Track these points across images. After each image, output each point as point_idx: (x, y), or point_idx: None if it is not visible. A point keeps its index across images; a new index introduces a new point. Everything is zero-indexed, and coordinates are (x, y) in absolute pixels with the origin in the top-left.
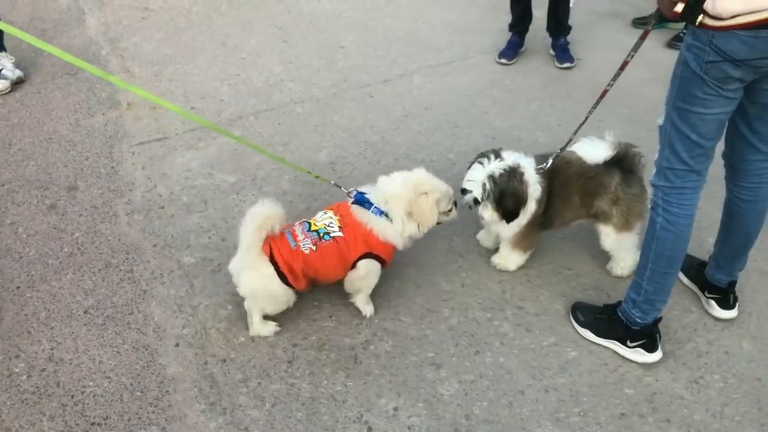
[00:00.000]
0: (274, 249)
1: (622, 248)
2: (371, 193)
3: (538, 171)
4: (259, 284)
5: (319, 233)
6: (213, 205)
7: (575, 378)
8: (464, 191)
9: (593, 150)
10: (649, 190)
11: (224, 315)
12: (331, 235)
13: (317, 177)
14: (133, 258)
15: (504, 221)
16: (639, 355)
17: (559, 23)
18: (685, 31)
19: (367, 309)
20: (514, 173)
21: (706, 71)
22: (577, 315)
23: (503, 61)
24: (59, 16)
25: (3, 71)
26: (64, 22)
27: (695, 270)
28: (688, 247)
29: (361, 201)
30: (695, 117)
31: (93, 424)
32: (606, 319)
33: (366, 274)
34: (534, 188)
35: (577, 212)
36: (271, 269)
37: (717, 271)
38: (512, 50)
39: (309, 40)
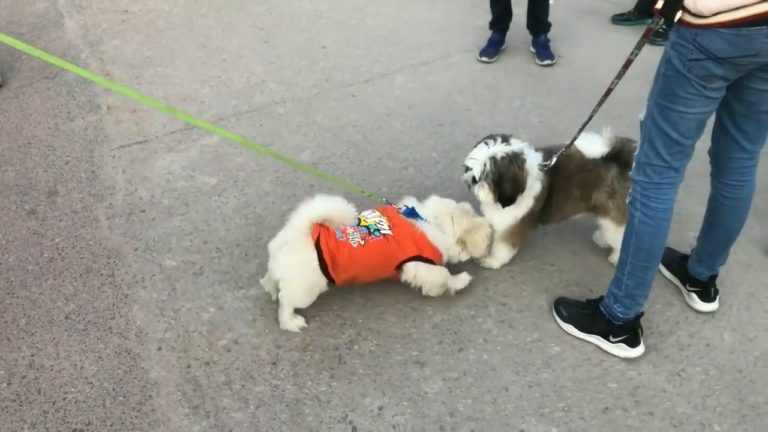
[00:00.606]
0: (322, 236)
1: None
2: (421, 208)
3: (541, 168)
4: (297, 265)
5: (369, 229)
6: (194, 207)
7: (559, 373)
8: (466, 168)
9: (591, 145)
10: None
11: (207, 318)
12: (381, 232)
13: (370, 195)
14: (114, 262)
15: (499, 204)
16: (621, 350)
17: (538, 20)
18: (664, 26)
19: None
20: (516, 158)
21: (690, 69)
22: (560, 310)
23: (484, 59)
24: (37, 19)
25: None
26: (41, 26)
27: (677, 263)
28: (669, 241)
29: (413, 214)
30: (676, 115)
31: (75, 430)
32: (589, 314)
33: (415, 276)
34: (534, 184)
35: (577, 206)
36: (314, 254)
37: (698, 265)
38: (493, 48)
39: (290, 41)
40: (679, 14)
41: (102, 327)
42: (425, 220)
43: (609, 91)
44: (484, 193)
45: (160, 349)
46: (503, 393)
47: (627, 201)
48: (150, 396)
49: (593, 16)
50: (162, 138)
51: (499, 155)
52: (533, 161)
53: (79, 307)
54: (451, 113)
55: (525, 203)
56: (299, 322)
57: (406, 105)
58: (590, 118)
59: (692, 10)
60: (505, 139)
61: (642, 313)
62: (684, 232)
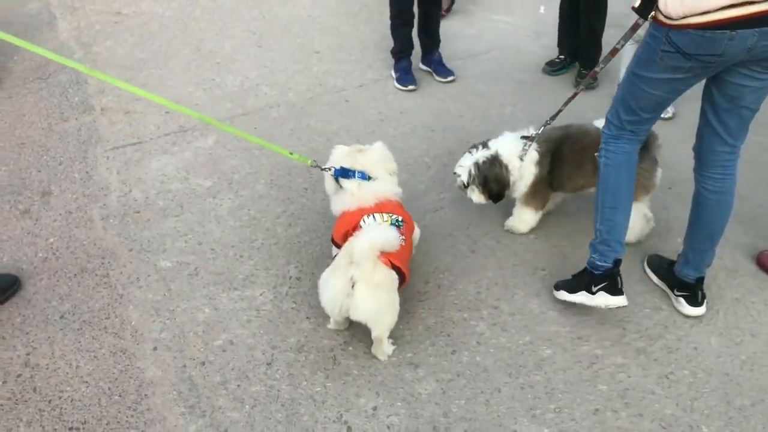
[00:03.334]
0: (386, 255)
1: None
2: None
3: (529, 139)
4: (386, 299)
5: (394, 223)
6: (189, 209)
7: (550, 375)
8: (456, 174)
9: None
10: (660, 169)
11: (202, 318)
12: (401, 220)
13: (298, 157)
14: (109, 263)
15: (492, 202)
16: (603, 299)
17: (431, 38)
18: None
19: None
20: (495, 161)
21: (662, 58)
22: (556, 286)
23: (411, 87)
24: (29, 20)
25: None
26: (34, 26)
27: (665, 269)
28: (657, 247)
29: (344, 173)
30: (639, 91)
31: (71, 428)
32: (576, 277)
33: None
34: (530, 154)
35: (590, 180)
36: (394, 275)
37: (685, 266)
38: (410, 74)
39: (284, 45)
40: (653, 13)
41: (97, 327)
42: (358, 173)
43: (594, 73)
44: (475, 195)
45: (155, 349)
46: (496, 394)
47: (596, 154)
48: (146, 395)
49: None
50: (156, 140)
51: (481, 161)
52: (512, 151)
53: (74, 307)
54: (443, 119)
55: (529, 171)
56: (390, 348)
57: (398, 110)
58: (575, 95)
59: (663, 12)
60: (485, 145)
61: (619, 261)
62: (672, 238)
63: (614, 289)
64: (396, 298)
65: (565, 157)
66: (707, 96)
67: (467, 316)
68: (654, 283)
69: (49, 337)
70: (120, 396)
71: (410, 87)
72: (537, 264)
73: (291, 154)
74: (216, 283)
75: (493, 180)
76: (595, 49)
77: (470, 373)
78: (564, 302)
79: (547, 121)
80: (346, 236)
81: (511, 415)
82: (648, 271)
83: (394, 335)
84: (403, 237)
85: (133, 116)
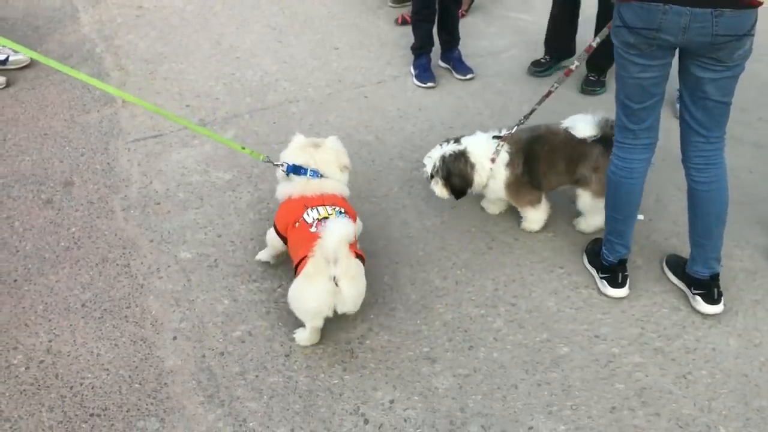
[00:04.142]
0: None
1: (593, 210)
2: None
3: (500, 139)
4: (363, 287)
5: (337, 214)
6: (209, 201)
7: (567, 373)
8: (423, 165)
9: (581, 126)
10: None
11: (221, 309)
12: (343, 211)
13: (251, 153)
14: (129, 253)
15: (454, 197)
16: (603, 286)
17: (451, 35)
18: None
19: None
20: (461, 156)
21: (615, 34)
22: (585, 249)
23: (430, 84)
24: (52, 13)
25: None
26: (57, 19)
27: (681, 268)
28: (674, 248)
29: (295, 170)
30: (621, 79)
31: (92, 415)
32: (597, 251)
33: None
34: (501, 156)
35: (562, 178)
36: (360, 263)
37: (693, 263)
38: (429, 71)
39: (303, 41)
40: None
41: (118, 315)
42: (310, 172)
43: (569, 71)
44: (438, 188)
45: (175, 338)
46: (513, 390)
47: None
48: (165, 384)
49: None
50: (176, 132)
51: (447, 154)
52: (482, 150)
53: (95, 296)
54: (462, 117)
55: (499, 172)
56: None
57: (417, 107)
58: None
59: None
60: (457, 140)
61: (624, 260)
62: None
63: (614, 282)
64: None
65: (537, 156)
66: (680, 88)
67: (484, 312)
68: (673, 283)
69: (71, 325)
70: (140, 384)
71: (429, 84)
72: (555, 262)
73: (243, 149)
74: (235, 275)
75: (456, 175)
76: (606, 55)
77: (487, 368)
78: (581, 296)
79: (521, 120)
80: (286, 227)
81: (527, 412)
82: (666, 270)
83: (410, 329)
84: None
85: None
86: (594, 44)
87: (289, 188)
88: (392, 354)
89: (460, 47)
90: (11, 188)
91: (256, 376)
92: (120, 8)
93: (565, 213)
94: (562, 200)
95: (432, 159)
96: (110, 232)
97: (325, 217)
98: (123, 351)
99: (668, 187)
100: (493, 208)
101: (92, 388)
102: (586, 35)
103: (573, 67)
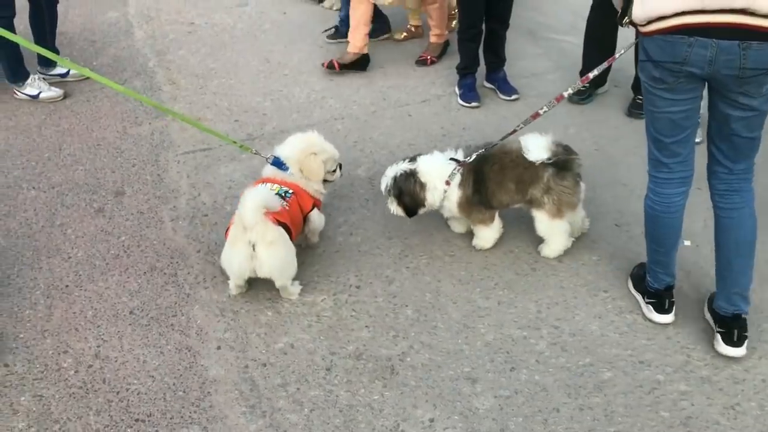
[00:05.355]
0: (271, 215)
1: (552, 233)
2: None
3: (459, 162)
4: (283, 253)
5: (279, 194)
6: None
7: (610, 398)
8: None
9: (534, 147)
10: (583, 185)
11: (264, 321)
12: (290, 192)
13: (241, 146)
14: (177, 262)
15: (406, 215)
16: (648, 311)
17: (497, 55)
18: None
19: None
20: (411, 176)
21: (641, 69)
22: (631, 273)
23: (475, 104)
24: (108, 28)
25: (41, 94)
26: (112, 34)
27: (710, 303)
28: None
29: (278, 164)
30: (649, 113)
31: (137, 420)
32: (642, 275)
33: (318, 224)
34: (454, 178)
35: (513, 197)
36: (283, 231)
37: (718, 298)
38: (474, 91)
39: None
40: (625, 20)
41: (164, 324)
42: (290, 170)
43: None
44: (393, 206)
45: (219, 348)
46: (554, 414)
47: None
48: (209, 393)
49: None
50: (225, 147)
51: (399, 174)
52: (434, 171)
53: (142, 303)
54: None
55: (452, 192)
56: (297, 287)
57: (461, 126)
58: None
59: (633, 19)
60: (413, 159)
61: (670, 287)
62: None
63: (660, 308)
64: (292, 251)
65: (486, 176)
66: (709, 117)
67: (527, 334)
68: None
69: (118, 331)
70: (184, 392)
71: (474, 104)
72: (599, 286)
73: (234, 142)
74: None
75: (407, 194)
76: None
77: (528, 391)
78: (625, 321)
79: (492, 143)
80: None
81: None
82: (706, 304)
83: (452, 348)
84: (287, 205)
85: (203, 123)
86: (591, 76)
87: (263, 172)
88: (433, 372)
89: (505, 68)
90: (65, 196)
91: (298, 389)
92: (172, 24)
93: (610, 237)
94: (608, 225)
95: (387, 177)
96: (159, 241)
97: (276, 193)
98: (168, 359)
99: None
100: (457, 226)
101: (138, 393)
102: (624, 61)
103: (566, 93)
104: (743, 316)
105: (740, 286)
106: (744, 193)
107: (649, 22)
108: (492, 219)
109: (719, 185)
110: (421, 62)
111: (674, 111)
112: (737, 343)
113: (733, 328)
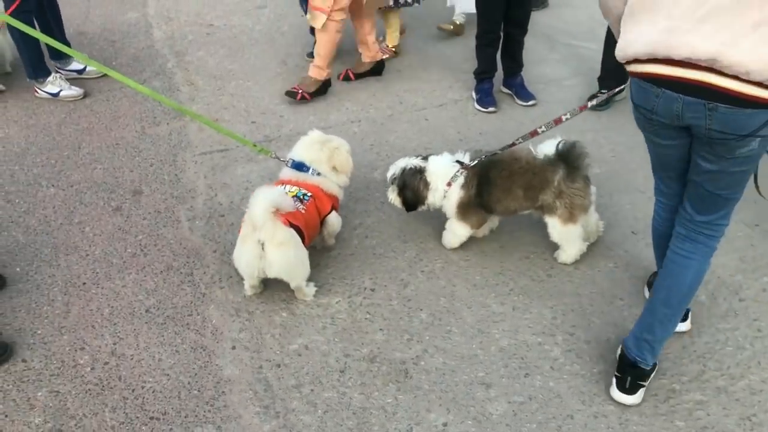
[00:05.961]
0: (283, 216)
1: (567, 239)
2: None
3: (463, 165)
4: (293, 254)
5: (298, 196)
6: None
7: (625, 406)
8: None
9: (543, 147)
10: (593, 187)
11: (279, 321)
12: (308, 195)
13: (261, 150)
14: (193, 262)
15: (404, 209)
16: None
17: (515, 60)
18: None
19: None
20: (418, 173)
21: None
22: (648, 279)
23: (491, 109)
24: (128, 28)
25: (62, 93)
26: (132, 34)
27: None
28: (745, 287)
29: (299, 166)
30: (647, 144)
31: (152, 418)
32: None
33: (336, 227)
34: (457, 179)
35: (522, 203)
36: (294, 233)
37: (631, 335)
38: (491, 96)
39: None
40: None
41: (180, 323)
42: (311, 169)
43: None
44: (393, 196)
45: (234, 348)
46: (568, 421)
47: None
48: (223, 392)
49: None
50: (242, 148)
51: (407, 168)
52: (440, 172)
53: (159, 302)
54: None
55: (454, 193)
56: (312, 289)
57: (478, 131)
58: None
59: (616, 56)
60: (425, 158)
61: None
62: (758, 276)
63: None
64: (303, 253)
65: (492, 181)
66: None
67: (542, 340)
68: (737, 321)
69: (135, 329)
70: (199, 391)
71: (491, 109)
72: (615, 293)
73: (254, 146)
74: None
75: (409, 189)
76: None
77: (543, 397)
78: None
79: (494, 152)
80: None
81: None
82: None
83: (466, 353)
84: (303, 208)
85: (220, 124)
86: (590, 105)
87: (281, 174)
88: (447, 377)
89: (523, 73)
90: (84, 194)
91: (312, 390)
92: (191, 26)
93: (626, 244)
94: (624, 232)
95: (395, 167)
96: (175, 241)
97: (294, 195)
98: (183, 357)
99: (737, 224)
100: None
101: (153, 392)
102: None
103: (590, 104)
104: (642, 366)
105: (653, 335)
106: (699, 245)
107: (628, 62)
108: (481, 223)
109: (678, 227)
110: (292, 93)
111: (661, 153)
112: (629, 391)
113: (628, 375)
